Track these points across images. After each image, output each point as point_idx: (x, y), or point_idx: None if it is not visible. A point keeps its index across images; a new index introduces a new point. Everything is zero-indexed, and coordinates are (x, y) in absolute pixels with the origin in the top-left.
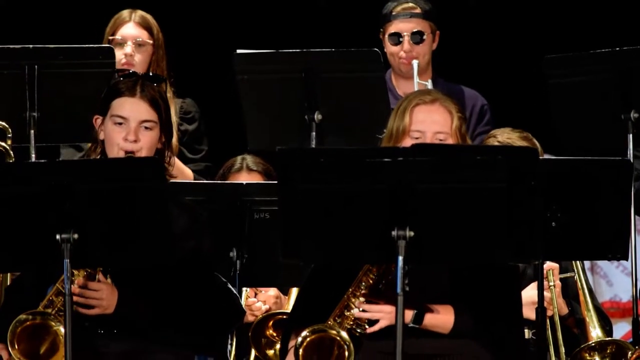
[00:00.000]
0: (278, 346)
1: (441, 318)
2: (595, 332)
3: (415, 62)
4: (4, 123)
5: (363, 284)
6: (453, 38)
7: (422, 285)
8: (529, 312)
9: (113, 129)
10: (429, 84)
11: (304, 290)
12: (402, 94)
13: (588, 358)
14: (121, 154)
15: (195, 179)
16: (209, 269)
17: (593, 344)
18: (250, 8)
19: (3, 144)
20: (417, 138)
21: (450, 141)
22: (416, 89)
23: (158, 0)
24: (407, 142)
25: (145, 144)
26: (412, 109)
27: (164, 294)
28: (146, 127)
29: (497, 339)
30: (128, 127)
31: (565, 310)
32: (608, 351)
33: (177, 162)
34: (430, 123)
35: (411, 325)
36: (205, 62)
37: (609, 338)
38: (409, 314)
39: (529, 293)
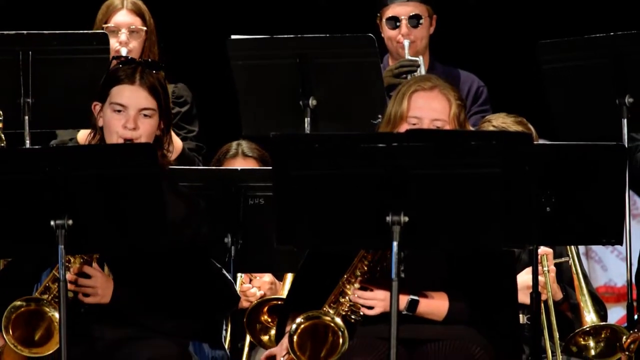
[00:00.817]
0: (273, 332)
1: (435, 306)
2: (590, 317)
3: (406, 42)
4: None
5: (358, 270)
6: (450, 22)
7: (419, 272)
8: (524, 297)
9: (112, 116)
10: (420, 60)
11: (300, 274)
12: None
13: (582, 342)
14: (120, 142)
15: (185, 154)
16: (204, 255)
17: (588, 329)
18: None
19: None
20: (414, 124)
21: (447, 128)
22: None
23: None
24: (405, 128)
25: (144, 132)
26: (411, 95)
27: (159, 280)
28: (145, 115)
29: (493, 325)
30: (127, 115)
31: (559, 295)
32: (603, 336)
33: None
34: (428, 110)
35: (405, 312)
36: (199, 48)
37: (604, 323)
38: (403, 301)
39: (524, 278)
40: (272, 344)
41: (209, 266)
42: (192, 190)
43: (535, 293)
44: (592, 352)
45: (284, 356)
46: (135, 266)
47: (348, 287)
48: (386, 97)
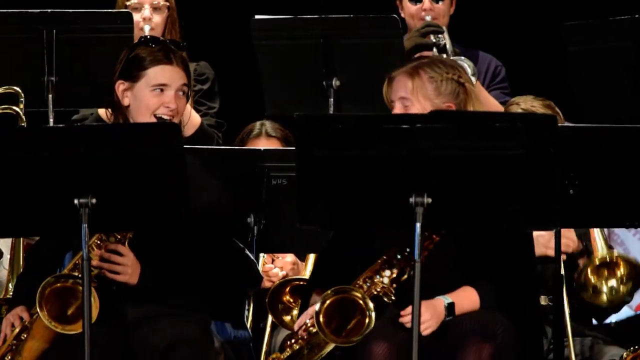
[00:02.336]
0: (295, 312)
1: (468, 302)
2: (601, 252)
3: (428, 17)
4: (17, 88)
5: (399, 254)
6: (470, 5)
7: (438, 255)
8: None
9: (152, 95)
10: (445, 31)
11: (325, 252)
12: None
13: (593, 282)
14: (153, 120)
15: (204, 129)
16: (226, 235)
17: (598, 262)
18: None
19: (15, 107)
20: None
21: (416, 106)
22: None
23: None
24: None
25: (180, 109)
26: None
27: (182, 259)
28: (182, 93)
29: (514, 308)
30: (169, 94)
31: (579, 246)
32: (615, 271)
33: (187, 107)
34: (394, 92)
35: (448, 319)
36: (223, 28)
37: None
38: (441, 310)
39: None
40: (293, 324)
41: (231, 245)
42: (215, 170)
43: (558, 275)
44: (605, 290)
45: (309, 320)
46: (159, 245)
47: (385, 268)
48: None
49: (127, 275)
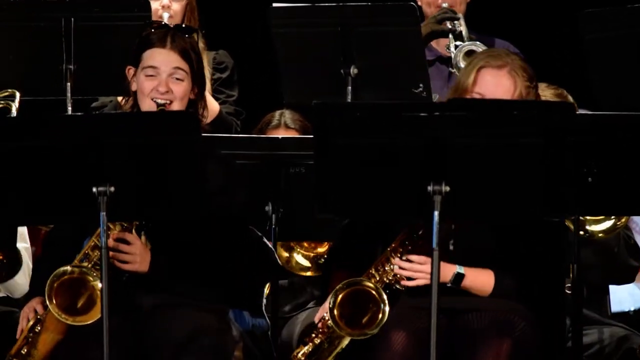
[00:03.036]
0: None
1: (480, 281)
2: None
3: (445, 5)
4: (12, 90)
5: (407, 241)
6: None
7: (468, 245)
8: None
9: (144, 79)
10: (461, 18)
11: (343, 232)
12: (437, 47)
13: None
14: (153, 106)
15: (222, 117)
16: (243, 223)
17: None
18: None
19: (10, 102)
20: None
21: None
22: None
23: None
24: None
25: (177, 95)
26: (479, 70)
27: (198, 248)
28: (177, 78)
29: (539, 301)
30: (159, 78)
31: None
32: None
33: (206, 94)
34: (493, 87)
35: (449, 285)
36: (242, 16)
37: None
38: (449, 274)
39: None
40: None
41: (249, 234)
42: (233, 158)
43: (577, 264)
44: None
45: (327, 314)
46: (174, 234)
47: (394, 255)
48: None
49: (137, 263)
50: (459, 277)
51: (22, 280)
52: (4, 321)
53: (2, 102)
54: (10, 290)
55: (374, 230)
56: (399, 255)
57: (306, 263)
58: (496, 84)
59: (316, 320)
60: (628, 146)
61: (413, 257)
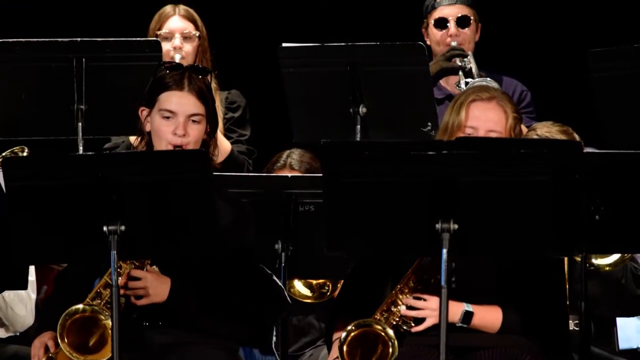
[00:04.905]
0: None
1: (489, 318)
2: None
3: (454, 43)
4: (21, 147)
5: (411, 281)
6: (495, 32)
7: (469, 282)
8: None
9: (161, 122)
10: (470, 56)
11: (349, 280)
12: (446, 85)
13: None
14: (169, 147)
15: (234, 156)
16: (253, 261)
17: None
18: (294, 2)
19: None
20: (470, 134)
21: None
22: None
23: None
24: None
25: (193, 138)
26: (469, 105)
27: (209, 285)
28: (194, 121)
29: (545, 335)
30: (177, 122)
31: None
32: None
33: (218, 133)
34: (485, 120)
35: (459, 324)
36: (252, 55)
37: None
38: (458, 313)
39: None
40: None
41: (259, 271)
42: (243, 197)
43: (585, 299)
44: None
45: None
46: (186, 270)
47: (400, 297)
48: (436, 83)
49: (151, 295)
50: (468, 315)
51: (22, 313)
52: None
53: (12, 154)
54: (10, 321)
55: (383, 268)
56: (406, 295)
57: (306, 291)
58: (488, 116)
59: None
60: (634, 184)
61: (421, 296)
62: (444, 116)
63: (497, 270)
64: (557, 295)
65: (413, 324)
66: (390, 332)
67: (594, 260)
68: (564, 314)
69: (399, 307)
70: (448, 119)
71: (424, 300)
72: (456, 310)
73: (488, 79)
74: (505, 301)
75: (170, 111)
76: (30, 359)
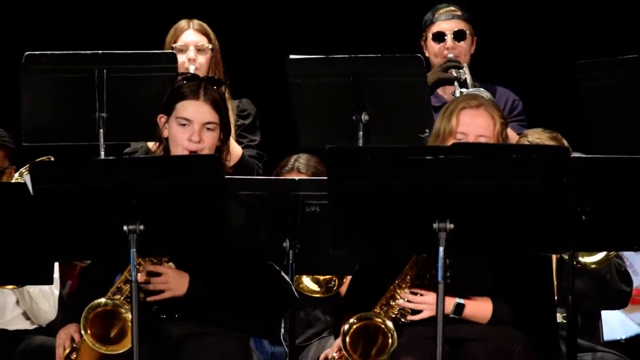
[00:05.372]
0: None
1: (480, 309)
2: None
3: (450, 55)
4: (48, 157)
5: (408, 276)
6: (489, 45)
7: (464, 277)
8: None
9: (178, 129)
10: (465, 67)
11: (355, 278)
12: (443, 94)
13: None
14: (185, 153)
15: (245, 160)
16: (263, 258)
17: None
18: (302, 15)
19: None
20: (460, 139)
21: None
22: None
23: (219, 11)
24: (452, 143)
25: (207, 144)
26: (459, 112)
27: (222, 281)
28: (208, 128)
29: (533, 326)
30: (192, 129)
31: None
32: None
33: (230, 139)
34: (474, 126)
35: (452, 315)
36: (261, 67)
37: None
38: (450, 305)
39: None
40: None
41: (268, 268)
42: (253, 199)
43: (571, 293)
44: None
45: (336, 353)
46: (200, 267)
47: (399, 291)
48: (433, 93)
49: (172, 289)
50: (460, 307)
51: (45, 307)
52: (44, 350)
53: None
54: (35, 315)
55: (385, 268)
56: (404, 289)
57: (314, 287)
58: (477, 122)
59: (322, 357)
60: (618, 187)
61: (418, 291)
62: (435, 123)
63: (489, 266)
64: (545, 289)
65: (409, 318)
66: (390, 324)
67: (580, 259)
68: (552, 306)
69: (397, 301)
70: (440, 125)
71: (421, 294)
72: (448, 302)
73: (481, 89)
74: (496, 294)
75: (187, 119)
76: (55, 349)
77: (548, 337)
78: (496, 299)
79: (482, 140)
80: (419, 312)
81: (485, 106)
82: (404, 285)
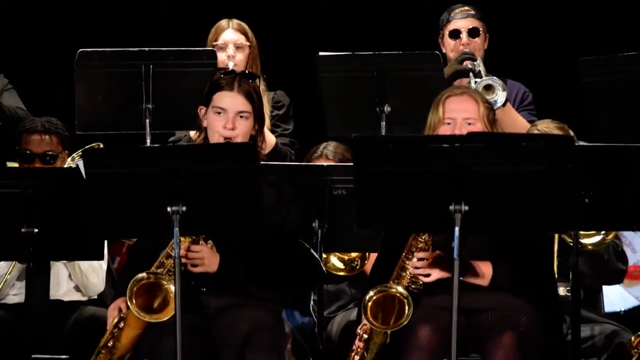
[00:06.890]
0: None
1: (480, 271)
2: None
3: (465, 49)
4: (98, 143)
5: (413, 247)
6: (502, 41)
7: (468, 250)
8: None
9: (214, 118)
10: (479, 60)
11: (376, 262)
12: None
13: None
14: (221, 140)
15: (277, 148)
16: (294, 237)
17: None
18: (332, 16)
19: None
20: (449, 124)
21: (479, 125)
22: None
23: (258, 12)
24: (443, 130)
25: (241, 132)
26: (444, 101)
27: (257, 257)
28: (242, 117)
29: (535, 291)
30: (227, 117)
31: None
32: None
33: (265, 129)
34: (461, 111)
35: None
36: (294, 62)
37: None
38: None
39: None
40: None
41: (299, 246)
42: (285, 183)
43: (574, 269)
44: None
45: (361, 327)
46: (237, 244)
47: (407, 262)
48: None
49: (205, 265)
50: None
51: (94, 280)
52: (95, 320)
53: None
54: (85, 287)
55: (402, 248)
56: (411, 259)
57: (340, 265)
58: (463, 106)
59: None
60: (619, 173)
61: (423, 254)
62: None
63: (492, 242)
64: (545, 262)
65: (421, 282)
66: (403, 290)
67: (581, 240)
68: (552, 277)
69: (407, 271)
70: (430, 118)
71: (426, 260)
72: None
73: (495, 77)
74: (496, 260)
75: (222, 108)
76: (106, 319)
77: (549, 304)
78: (495, 262)
79: (470, 122)
80: (428, 276)
81: (469, 92)
82: (411, 256)
